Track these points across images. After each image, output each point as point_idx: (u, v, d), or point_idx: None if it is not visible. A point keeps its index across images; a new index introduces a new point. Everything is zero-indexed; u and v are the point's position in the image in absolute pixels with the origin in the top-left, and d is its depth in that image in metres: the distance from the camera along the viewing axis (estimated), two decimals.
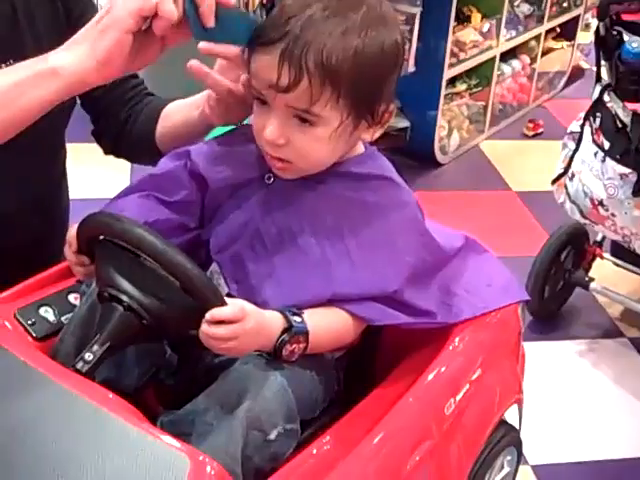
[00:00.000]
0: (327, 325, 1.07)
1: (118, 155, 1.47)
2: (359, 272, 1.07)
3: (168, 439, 0.90)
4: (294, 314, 1.03)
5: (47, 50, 1.05)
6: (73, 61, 1.02)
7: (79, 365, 0.97)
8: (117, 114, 1.39)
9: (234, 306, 0.98)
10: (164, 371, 1.14)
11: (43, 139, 1.25)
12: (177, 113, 1.33)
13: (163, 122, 1.35)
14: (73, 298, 1.19)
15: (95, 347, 0.99)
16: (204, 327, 0.97)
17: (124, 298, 1.00)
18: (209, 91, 1.19)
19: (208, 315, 0.97)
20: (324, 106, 1.01)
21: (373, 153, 1.15)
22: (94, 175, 2.74)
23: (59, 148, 1.43)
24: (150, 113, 1.37)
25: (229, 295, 1.07)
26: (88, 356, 0.98)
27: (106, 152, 1.46)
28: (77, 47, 1.02)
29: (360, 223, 1.08)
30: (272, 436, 1.00)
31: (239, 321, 0.97)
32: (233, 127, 1.21)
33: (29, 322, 1.15)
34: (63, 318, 1.17)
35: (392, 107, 1.09)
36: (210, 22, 1.04)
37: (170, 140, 1.33)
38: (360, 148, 1.14)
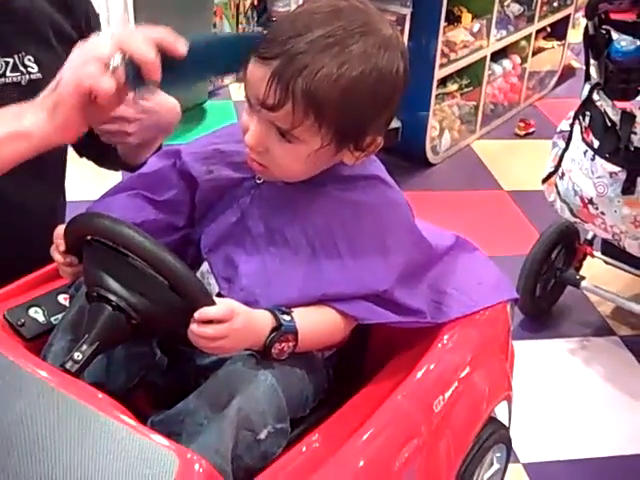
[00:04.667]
0: (316, 324, 1.07)
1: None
2: (349, 272, 1.07)
3: (157, 437, 0.90)
4: (283, 313, 1.04)
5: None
6: (38, 126, 1.05)
7: (68, 365, 0.97)
8: None
9: (223, 305, 0.98)
10: (154, 372, 1.14)
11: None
12: None
13: None
14: (62, 299, 1.20)
15: (84, 347, 0.99)
16: (193, 326, 0.97)
17: (112, 298, 1.00)
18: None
19: (197, 314, 0.97)
20: (305, 131, 1.00)
21: None
22: (84, 176, 2.73)
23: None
24: None
25: (220, 294, 1.08)
26: (77, 356, 0.98)
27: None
28: (39, 113, 1.06)
29: (350, 223, 1.09)
30: (262, 435, 1.01)
31: (228, 320, 0.97)
32: (222, 126, 1.22)
33: (18, 323, 1.14)
34: (52, 319, 1.17)
35: (380, 140, 1.07)
36: (156, 76, 1.04)
37: (123, 152, 1.35)
38: None
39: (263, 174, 1.09)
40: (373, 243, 1.09)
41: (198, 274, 1.11)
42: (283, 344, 1.03)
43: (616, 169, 2.00)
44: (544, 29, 4.08)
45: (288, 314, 1.04)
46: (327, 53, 0.98)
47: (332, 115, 0.99)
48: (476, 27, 3.44)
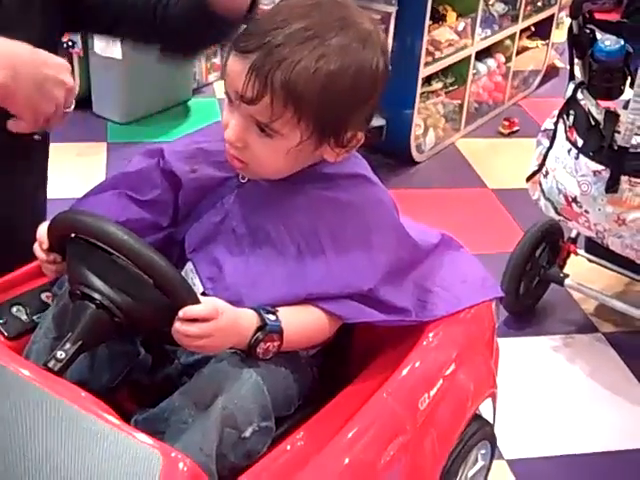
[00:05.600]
0: (301, 323, 1.07)
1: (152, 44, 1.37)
2: (334, 271, 1.07)
3: (140, 436, 0.89)
4: (268, 312, 1.04)
5: None
6: None
7: (51, 363, 0.97)
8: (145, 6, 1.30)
9: (207, 304, 0.98)
10: (138, 371, 1.13)
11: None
12: None
13: None
14: (45, 297, 1.19)
15: (67, 345, 0.98)
16: (177, 325, 0.97)
17: (96, 296, 1.00)
18: None
19: (181, 313, 0.97)
20: (284, 124, 1.01)
21: None
22: (69, 174, 2.73)
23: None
24: None
25: (204, 294, 1.07)
26: (60, 354, 0.97)
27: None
28: None
29: (334, 221, 1.09)
30: (247, 433, 1.01)
31: (212, 319, 0.97)
32: (206, 125, 1.22)
33: (0, 321, 1.14)
34: (35, 317, 1.17)
35: (360, 135, 1.08)
36: None
37: None
38: None
39: (243, 171, 1.09)
40: (358, 242, 1.09)
41: (182, 274, 1.11)
42: (268, 344, 1.03)
43: (600, 168, 2.00)
44: (528, 28, 4.09)
45: (273, 313, 1.04)
46: (306, 46, 0.98)
47: (311, 107, 1.00)
48: (461, 26, 3.44)
